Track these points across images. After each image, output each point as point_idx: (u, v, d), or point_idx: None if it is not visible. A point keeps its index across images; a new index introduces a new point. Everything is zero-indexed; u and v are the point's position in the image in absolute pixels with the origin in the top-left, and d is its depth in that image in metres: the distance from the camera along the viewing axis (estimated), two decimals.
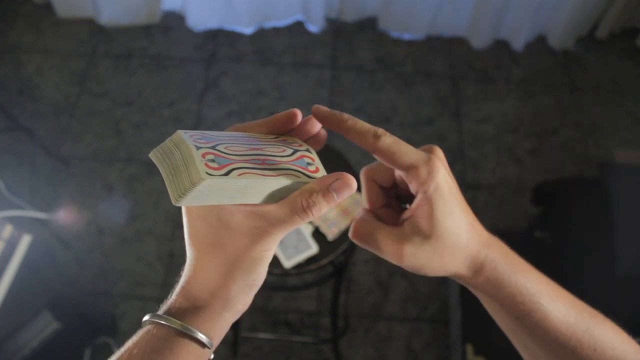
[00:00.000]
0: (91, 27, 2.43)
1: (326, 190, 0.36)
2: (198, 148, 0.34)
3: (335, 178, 0.37)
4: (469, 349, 1.46)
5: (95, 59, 2.35)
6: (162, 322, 0.37)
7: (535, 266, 0.43)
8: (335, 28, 2.46)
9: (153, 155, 0.36)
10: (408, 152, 0.39)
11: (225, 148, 0.36)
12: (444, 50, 2.42)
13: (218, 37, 2.41)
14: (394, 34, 2.44)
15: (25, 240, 1.39)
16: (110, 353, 0.38)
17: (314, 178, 0.38)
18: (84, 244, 1.91)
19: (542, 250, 1.62)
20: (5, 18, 2.46)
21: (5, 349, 1.38)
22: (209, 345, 0.38)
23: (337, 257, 1.26)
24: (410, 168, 0.39)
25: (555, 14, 2.30)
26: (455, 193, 0.40)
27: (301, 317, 1.81)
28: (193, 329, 0.37)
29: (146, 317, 0.38)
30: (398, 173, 0.42)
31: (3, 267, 1.33)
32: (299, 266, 1.22)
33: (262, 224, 0.37)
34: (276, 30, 2.44)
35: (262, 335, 1.75)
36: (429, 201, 0.39)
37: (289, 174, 0.37)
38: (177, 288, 0.39)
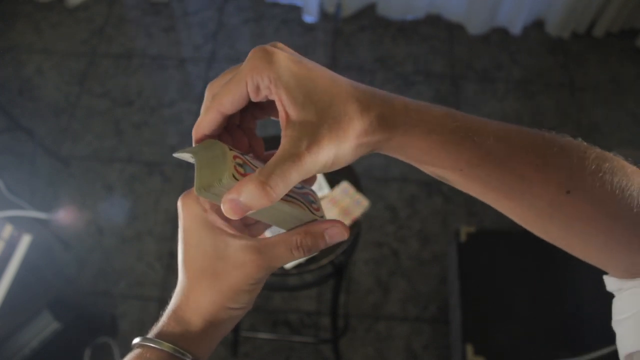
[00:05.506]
0: (91, 27, 2.44)
1: (321, 235, 0.39)
2: (230, 149, 0.37)
3: (332, 224, 0.39)
4: (469, 349, 1.46)
5: (95, 59, 2.35)
6: (154, 345, 0.38)
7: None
8: (336, 28, 2.46)
9: (181, 153, 0.38)
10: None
11: (251, 158, 0.38)
12: (444, 49, 2.42)
13: (218, 37, 2.41)
14: (394, 17, 2.46)
15: (25, 240, 1.39)
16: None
17: (315, 216, 0.40)
18: (84, 244, 1.91)
19: (541, 250, 1.61)
20: (5, 18, 2.46)
21: (5, 349, 1.38)
22: None
23: (337, 257, 1.26)
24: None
25: None
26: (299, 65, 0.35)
27: (301, 317, 1.81)
28: (184, 352, 0.39)
29: (136, 340, 0.39)
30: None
31: (3, 267, 1.33)
32: (299, 266, 1.22)
33: (256, 258, 0.38)
34: (276, 29, 2.44)
35: (262, 335, 1.75)
36: (276, 92, 0.34)
37: (300, 205, 0.39)
38: (168, 311, 0.41)
